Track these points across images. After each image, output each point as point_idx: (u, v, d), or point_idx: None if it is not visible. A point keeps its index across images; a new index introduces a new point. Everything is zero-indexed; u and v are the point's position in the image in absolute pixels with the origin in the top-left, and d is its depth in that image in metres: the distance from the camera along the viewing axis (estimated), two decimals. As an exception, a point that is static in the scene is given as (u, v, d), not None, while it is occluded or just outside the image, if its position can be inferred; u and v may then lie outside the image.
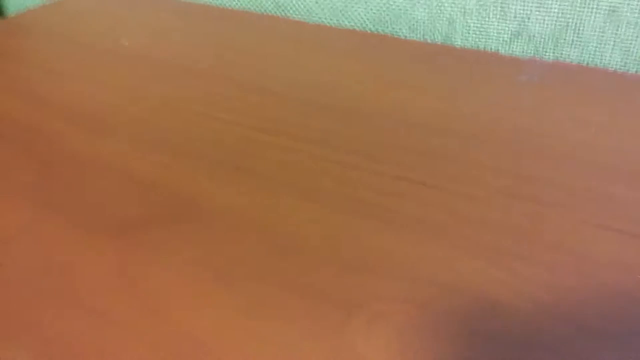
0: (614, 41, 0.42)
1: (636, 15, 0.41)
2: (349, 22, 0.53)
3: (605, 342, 0.20)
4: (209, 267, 0.24)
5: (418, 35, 0.50)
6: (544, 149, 0.31)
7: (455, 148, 0.31)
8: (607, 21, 0.42)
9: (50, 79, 0.41)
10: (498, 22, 0.46)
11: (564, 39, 0.44)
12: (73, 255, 0.25)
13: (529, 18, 0.45)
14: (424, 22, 0.49)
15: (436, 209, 0.27)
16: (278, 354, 0.20)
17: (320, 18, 0.54)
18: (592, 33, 0.43)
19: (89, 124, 0.35)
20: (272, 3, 0.56)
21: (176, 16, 0.53)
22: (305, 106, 0.36)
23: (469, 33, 0.48)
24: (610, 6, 0.41)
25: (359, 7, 0.52)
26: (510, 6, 0.45)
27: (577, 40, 0.44)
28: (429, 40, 0.49)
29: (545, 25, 0.44)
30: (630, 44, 0.42)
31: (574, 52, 0.44)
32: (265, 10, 0.57)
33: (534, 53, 0.46)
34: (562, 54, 0.45)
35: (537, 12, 0.44)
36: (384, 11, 0.51)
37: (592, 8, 0.42)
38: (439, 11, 0.48)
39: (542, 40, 0.45)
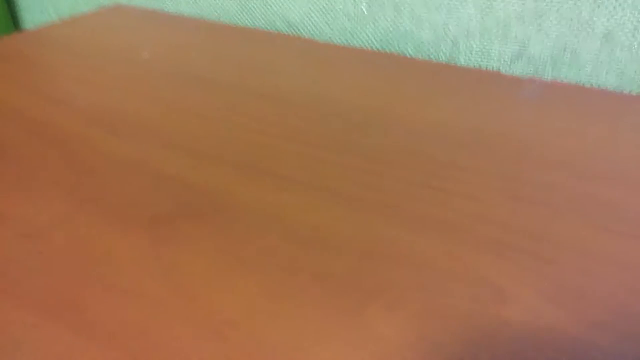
0: (609, 63, 0.45)
1: (630, 39, 0.43)
2: (357, 42, 0.56)
3: (606, 334, 0.22)
4: (236, 257, 0.26)
5: (423, 56, 0.53)
6: (544, 158, 0.33)
7: (462, 156, 0.33)
8: (602, 45, 0.45)
9: (79, 88, 0.44)
10: (500, 44, 0.49)
11: (562, 61, 0.47)
12: (109, 244, 0.27)
13: (529, 41, 0.47)
14: (429, 43, 0.52)
15: (445, 209, 0.29)
16: (302, 334, 0.22)
17: (330, 37, 0.57)
18: (589, 56, 0.46)
19: (119, 129, 0.37)
20: (284, 22, 0.59)
21: (193, 33, 0.55)
22: (321, 116, 0.38)
23: (471, 54, 0.51)
24: (605, 31, 0.44)
25: (367, 28, 0.55)
26: (511, 30, 0.48)
27: (574, 63, 0.46)
28: (433, 60, 0.51)
29: (544, 48, 0.47)
30: (625, 66, 0.44)
31: (571, 73, 0.47)
32: (277, 29, 0.60)
33: (534, 74, 0.49)
34: (559, 75, 0.47)
35: (537, 36, 0.47)
36: (391, 32, 0.54)
37: (589, 32, 0.45)
38: (443, 33, 0.51)
39: (541, 61, 0.48)
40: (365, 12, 0.53)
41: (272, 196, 0.30)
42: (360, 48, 0.51)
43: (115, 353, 0.21)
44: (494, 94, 0.41)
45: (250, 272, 0.25)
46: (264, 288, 0.24)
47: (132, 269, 0.25)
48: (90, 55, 0.50)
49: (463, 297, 0.23)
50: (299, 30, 0.59)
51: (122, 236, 0.27)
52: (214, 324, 0.22)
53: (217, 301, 0.23)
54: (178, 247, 0.26)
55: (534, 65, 0.48)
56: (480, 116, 0.38)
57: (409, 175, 0.32)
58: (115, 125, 0.38)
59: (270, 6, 0.59)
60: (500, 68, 0.50)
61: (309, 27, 0.58)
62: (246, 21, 0.62)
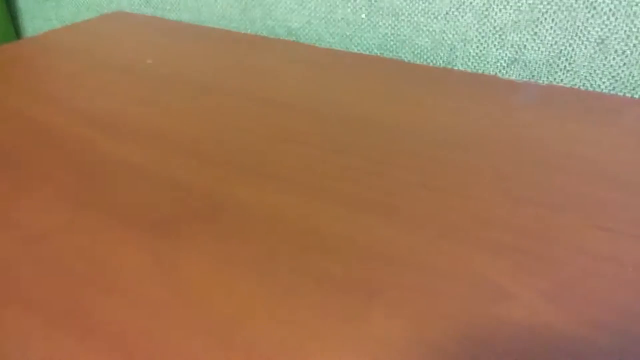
0: (603, 68, 0.46)
1: (623, 45, 0.44)
2: (357, 48, 0.57)
3: (605, 333, 0.23)
4: (238, 259, 0.26)
5: (421, 61, 0.54)
6: (540, 159, 0.34)
7: (460, 158, 0.34)
8: (596, 50, 0.46)
9: (81, 93, 0.44)
10: (496, 49, 0.50)
11: (557, 66, 0.48)
12: (110, 248, 0.27)
13: (524, 46, 0.48)
14: (427, 49, 0.53)
15: (444, 209, 0.29)
16: (304, 335, 0.22)
17: (330, 44, 0.58)
18: (583, 61, 0.47)
19: (120, 133, 0.38)
20: (285, 29, 0.60)
21: (194, 39, 0.56)
22: (321, 119, 0.39)
23: (469, 59, 0.52)
24: (599, 37, 0.45)
25: (366, 34, 0.56)
26: (508, 36, 0.49)
27: (569, 67, 0.47)
28: (431, 65, 0.52)
29: (540, 53, 0.48)
30: (618, 71, 0.45)
31: (566, 78, 0.48)
32: (278, 36, 0.61)
33: (529, 78, 0.50)
34: (555, 79, 0.48)
35: (533, 42, 0.48)
36: (389, 38, 0.55)
37: (583, 38, 0.46)
38: (441, 39, 0.52)
39: (537, 66, 0.49)
40: (364, 17, 0.54)
41: (272, 198, 0.31)
42: (360, 53, 0.52)
43: (118, 358, 0.21)
44: (492, 97, 0.42)
45: (251, 274, 0.25)
46: (265, 290, 0.25)
47: (134, 272, 0.26)
48: (92, 61, 0.51)
49: (463, 297, 0.24)
50: (299, 37, 0.60)
51: (124, 240, 0.28)
52: (216, 327, 0.23)
53: (219, 304, 0.24)
54: (179, 250, 0.27)
55: (530, 70, 0.49)
56: (476, 119, 0.39)
57: (408, 176, 0.32)
58: (117, 129, 0.38)
59: (271, 13, 0.60)
60: (497, 73, 0.51)
61: (309, 34, 0.59)
62: (247, 28, 0.63)
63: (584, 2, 0.44)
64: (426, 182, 0.32)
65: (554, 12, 0.46)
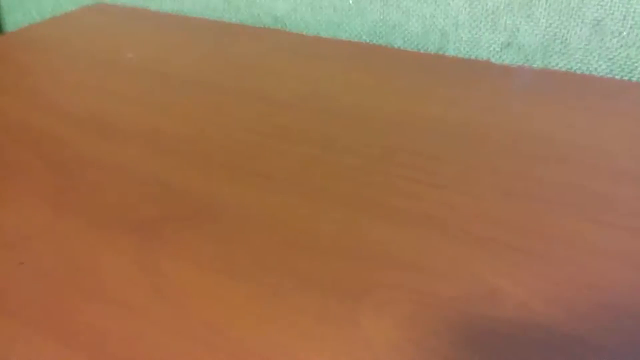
0: (600, 51, 0.45)
1: (619, 26, 0.43)
2: (345, 35, 0.55)
3: (599, 330, 0.21)
4: (224, 261, 0.25)
5: (412, 47, 0.52)
6: (536, 150, 0.33)
7: (453, 150, 0.33)
8: (592, 32, 0.44)
9: (62, 90, 0.43)
10: (489, 33, 0.48)
11: (552, 49, 0.46)
12: (93, 251, 0.26)
13: (518, 30, 0.47)
14: (417, 35, 0.51)
15: (435, 205, 0.28)
16: (292, 339, 0.21)
17: (317, 31, 0.56)
18: (579, 43, 0.45)
19: (103, 132, 0.36)
20: (270, 17, 0.58)
21: (177, 30, 0.54)
22: (310, 113, 0.38)
23: (461, 44, 0.50)
24: (595, 18, 0.44)
25: (355, 21, 0.54)
26: (501, 19, 0.47)
27: (564, 51, 0.46)
28: (422, 51, 0.51)
29: (534, 37, 0.47)
30: (615, 53, 0.44)
31: (561, 61, 0.46)
32: (264, 24, 0.59)
33: (524, 62, 0.48)
34: (550, 63, 0.47)
35: (526, 24, 0.46)
36: (379, 24, 0.53)
37: (578, 20, 0.44)
38: (432, 24, 0.50)
39: (531, 50, 0.47)
40: (352, 3, 0.53)
41: (258, 198, 0.29)
42: (349, 41, 0.50)
43: None
44: (485, 84, 0.41)
45: (236, 275, 0.24)
46: (252, 293, 0.23)
47: (117, 277, 0.24)
48: (73, 55, 0.49)
49: (454, 296, 0.23)
50: (285, 24, 0.58)
51: (107, 243, 0.26)
52: (201, 331, 0.22)
53: (204, 307, 0.23)
54: (163, 252, 0.26)
55: (524, 54, 0.48)
56: (470, 108, 0.38)
57: (400, 171, 0.31)
58: (99, 127, 0.37)
59: (256, 1, 0.58)
60: (490, 57, 0.49)
61: (295, 21, 0.57)
62: (231, 17, 0.61)
63: (578, -18, 0.43)
64: (416, 177, 0.31)
65: (548, -7, 0.44)
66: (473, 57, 0.50)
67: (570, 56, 0.46)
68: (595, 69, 0.45)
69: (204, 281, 0.24)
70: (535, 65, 0.48)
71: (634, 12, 0.42)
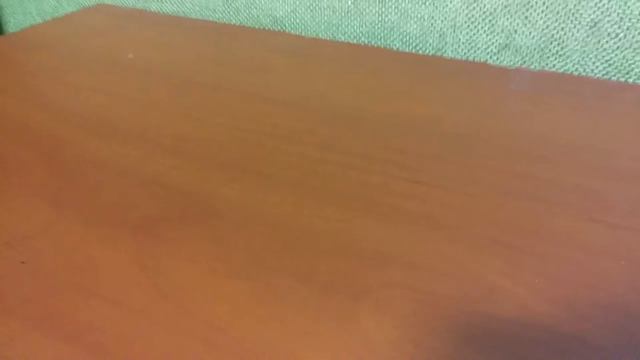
0: (596, 52, 0.45)
1: (616, 28, 0.43)
2: (344, 36, 0.55)
3: (599, 329, 0.22)
4: (223, 260, 0.25)
5: (410, 48, 0.53)
6: (533, 150, 0.33)
7: (451, 150, 0.33)
8: (589, 34, 0.45)
9: (62, 90, 0.43)
10: (487, 35, 0.49)
11: (549, 51, 0.47)
12: (92, 250, 0.26)
13: (515, 32, 0.47)
14: (415, 36, 0.52)
15: (433, 205, 0.28)
16: (293, 337, 0.21)
17: (316, 33, 0.57)
18: (576, 45, 0.45)
19: (103, 131, 0.37)
20: (269, 19, 0.59)
21: (177, 31, 0.54)
22: (307, 113, 0.38)
23: (459, 46, 0.50)
24: (592, 20, 0.44)
25: (353, 22, 0.54)
26: (498, 20, 0.48)
27: (561, 52, 0.46)
28: (420, 53, 0.51)
29: (532, 38, 0.47)
30: (612, 54, 0.44)
31: (558, 62, 0.47)
32: (263, 26, 0.59)
33: (521, 64, 0.48)
34: (547, 64, 0.47)
35: (524, 26, 0.47)
36: (377, 26, 0.53)
37: (575, 22, 0.45)
38: (430, 25, 0.51)
39: (529, 52, 0.48)
40: (351, 4, 0.53)
41: (256, 197, 0.30)
42: (347, 42, 0.50)
43: None
44: (483, 85, 0.41)
45: (236, 275, 0.25)
46: (251, 291, 0.24)
47: (117, 275, 0.25)
48: (73, 56, 0.49)
49: (453, 295, 0.23)
50: (285, 26, 0.58)
51: (106, 242, 0.27)
52: (201, 329, 0.22)
53: (204, 306, 0.23)
54: (162, 252, 0.26)
55: (521, 56, 0.48)
56: (468, 109, 0.38)
57: (397, 172, 0.31)
58: (98, 127, 0.37)
59: (256, 2, 0.58)
60: (488, 59, 0.49)
61: (295, 23, 0.57)
62: (231, 18, 0.61)
63: (575, -16, 0.43)
64: (414, 177, 0.31)
65: (545, -5, 0.45)
66: (470, 58, 0.50)
67: (567, 58, 0.46)
68: (592, 70, 0.46)
69: (204, 280, 0.24)
70: (532, 67, 0.48)
71: (630, 13, 0.42)
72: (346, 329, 0.22)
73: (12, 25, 0.79)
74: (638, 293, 0.23)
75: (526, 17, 0.46)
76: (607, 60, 0.45)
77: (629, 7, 0.42)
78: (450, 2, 0.49)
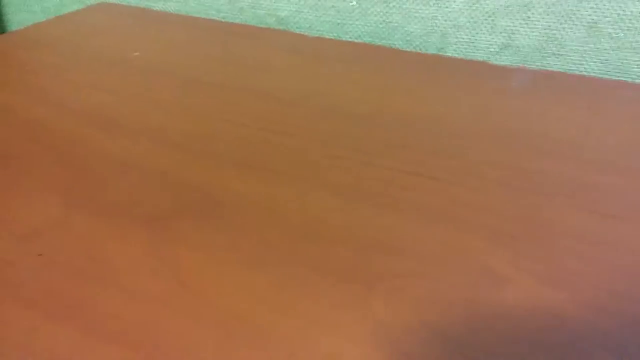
0: (594, 52, 0.46)
1: (614, 29, 0.44)
2: (347, 36, 0.56)
3: (603, 314, 0.23)
4: (238, 252, 0.26)
5: (412, 48, 0.54)
6: (533, 145, 0.34)
7: (454, 146, 0.34)
8: (587, 34, 0.46)
9: (69, 88, 0.43)
10: (488, 35, 0.50)
11: (549, 51, 0.48)
12: (107, 243, 0.27)
13: (516, 32, 0.48)
14: (418, 36, 0.53)
15: (439, 198, 0.29)
16: (310, 325, 0.22)
17: (320, 32, 0.57)
18: (574, 45, 0.47)
19: (113, 128, 0.37)
20: (273, 18, 0.59)
21: (182, 30, 0.55)
22: (314, 110, 0.39)
23: (460, 45, 0.51)
24: (590, 21, 0.45)
25: (357, 22, 0.55)
26: (499, 21, 0.49)
27: (560, 52, 0.47)
28: (423, 52, 0.52)
29: (531, 38, 0.48)
30: (609, 54, 0.45)
31: (557, 62, 0.48)
32: (267, 25, 0.60)
33: (521, 64, 0.49)
34: (546, 64, 0.48)
35: (524, 27, 0.48)
36: (380, 25, 0.54)
37: (574, 23, 0.46)
38: (432, 25, 0.52)
39: (529, 52, 0.49)
40: (355, 4, 0.54)
41: (266, 191, 0.30)
42: (351, 41, 0.51)
43: (126, 351, 0.21)
44: (484, 83, 0.42)
45: (251, 266, 0.25)
46: (268, 281, 0.25)
47: (133, 267, 0.25)
48: (79, 54, 0.50)
49: (461, 283, 0.24)
50: (289, 26, 0.59)
51: (120, 235, 0.27)
52: (221, 317, 0.23)
53: (222, 295, 0.24)
54: (178, 245, 0.27)
55: (521, 55, 0.49)
56: (470, 106, 0.39)
57: (402, 166, 0.32)
58: (107, 124, 0.38)
59: (260, 2, 0.59)
60: (489, 59, 0.50)
61: (299, 23, 0.58)
62: (235, 18, 0.62)
63: (574, -14, 0.44)
64: (419, 171, 0.32)
65: (545, -3, 0.46)
66: (472, 58, 0.51)
67: (566, 57, 0.47)
68: (590, 71, 0.47)
69: (221, 271, 0.25)
70: (532, 66, 0.49)
71: (627, 14, 0.43)
72: (362, 316, 0.23)
73: (16, 23, 0.79)
74: (636, 278, 0.24)
75: (526, 18, 0.47)
76: (605, 61, 0.46)
77: (626, 7, 0.43)
78: (453, 2, 0.50)
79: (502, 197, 0.29)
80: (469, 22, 0.50)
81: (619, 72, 0.46)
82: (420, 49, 0.53)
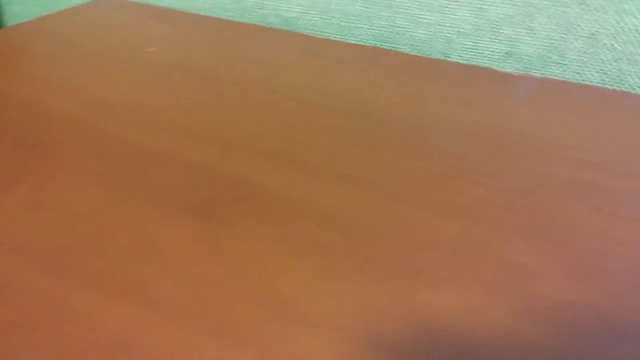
0: (594, 62, 0.48)
1: (613, 40, 0.47)
2: (353, 39, 0.58)
3: (627, 306, 0.24)
4: (282, 242, 0.27)
5: (417, 52, 0.55)
6: (535, 148, 0.36)
7: (461, 147, 0.36)
8: (587, 45, 0.48)
9: (91, 83, 0.44)
10: (491, 43, 0.52)
11: (550, 60, 0.50)
12: (154, 228, 0.28)
13: (518, 41, 0.50)
14: (423, 41, 0.54)
15: (463, 196, 0.31)
16: (355, 311, 0.23)
17: (325, 34, 0.59)
18: (575, 55, 0.49)
19: (139, 121, 0.38)
20: (279, 19, 0.60)
21: (189, 27, 0.56)
22: (329, 110, 0.40)
23: (464, 51, 0.53)
24: (590, 32, 0.47)
25: (363, 26, 0.56)
26: (503, 29, 0.51)
27: (561, 61, 0.50)
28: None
29: (534, 47, 0.50)
30: (608, 65, 0.48)
31: (558, 71, 0.50)
32: (272, 25, 0.61)
33: (523, 71, 0.51)
34: (547, 72, 0.50)
35: (526, 36, 0.50)
36: (386, 30, 0.56)
37: (575, 34, 0.48)
38: (437, 31, 0.53)
39: (531, 60, 0.51)
40: (360, 8, 0.55)
41: (302, 185, 0.31)
42: (357, 44, 0.53)
43: (186, 330, 0.22)
44: (488, 89, 0.44)
45: (298, 256, 0.26)
46: (313, 269, 0.26)
47: (183, 253, 0.26)
48: (92, 49, 0.50)
49: (497, 276, 0.26)
50: (294, 27, 0.60)
51: (166, 221, 0.28)
52: (267, 301, 0.24)
53: (269, 281, 0.25)
54: (223, 234, 0.28)
55: (524, 63, 0.51)
56: (476, 110, 0.40)
57: (424, 166, 0.34)
58: (135, 118, 0.38)
59: (266, 2, 0.60)
60: (492, 65, 0.52)
61: (305, 24, 0.59)
62: (241, 17, 0.63)
63: (577, -1, 0.46)
64: (440, 170, 0.33)
65: (548, 8, 0.48)
66: (475, 64, 0.53)
67: (566, 66, 0.49)
68: (590, 80, 0.49)
69: (267, 259, 0.26)
70: (533, 74, 0.51)
71: (626, 27, 0.46)
72: (404, 305, 0.24)
73: (16, 17, 0.78)
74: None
75: (530, 27, 0.49)
76: (603, 70, 0.48)
77: (624, 21, 0.46)
78: (458, 9, 0.51)
79: (506, 193, 0.31)
80: (473, 29, 0.51)
81: (616, 82, 0.48)
82: (424, 54, 0.55)
